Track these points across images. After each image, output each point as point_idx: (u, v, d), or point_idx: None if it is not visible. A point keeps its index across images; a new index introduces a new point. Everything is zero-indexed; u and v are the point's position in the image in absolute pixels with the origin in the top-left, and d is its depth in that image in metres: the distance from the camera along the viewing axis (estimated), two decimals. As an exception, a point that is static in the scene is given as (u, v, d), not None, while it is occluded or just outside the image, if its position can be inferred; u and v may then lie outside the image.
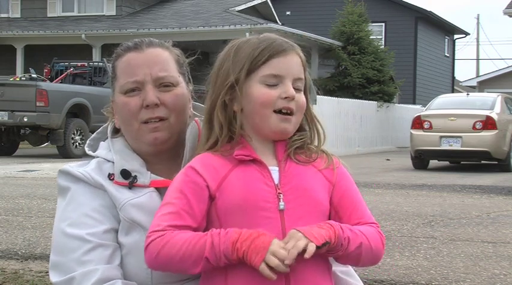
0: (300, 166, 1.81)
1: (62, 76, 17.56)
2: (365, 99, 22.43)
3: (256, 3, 26.98)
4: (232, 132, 1.80)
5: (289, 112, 1.78)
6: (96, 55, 23.44)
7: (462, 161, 15.35)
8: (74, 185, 1.96)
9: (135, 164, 1.98)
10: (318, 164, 1.83)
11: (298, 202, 1.77)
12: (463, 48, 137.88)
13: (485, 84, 31.25)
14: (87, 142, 2.12)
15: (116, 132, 2.08)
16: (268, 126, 1.79)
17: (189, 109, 2.05)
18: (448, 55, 37.58)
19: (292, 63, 1.80)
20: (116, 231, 1.92)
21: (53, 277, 1.91)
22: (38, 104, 15.06)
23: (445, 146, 14.23)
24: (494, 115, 14.13)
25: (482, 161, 14.69)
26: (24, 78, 17.12)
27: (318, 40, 23.59)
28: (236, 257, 1.67)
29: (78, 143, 15.74)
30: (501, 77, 31.32)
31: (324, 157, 1.85)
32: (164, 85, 1.98)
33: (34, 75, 17.11)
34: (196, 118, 2.02)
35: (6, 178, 10.59)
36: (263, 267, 1.64)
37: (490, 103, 14.81)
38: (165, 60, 2.01)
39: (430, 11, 33.33)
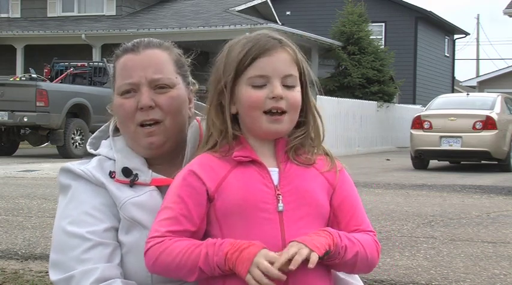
0: (300, 167, 1.79)
1: (62, 76, 17.55)
2: (365, 99, 22.42)
3: (256, 3, 26.97)
4: (230, 134, 1.79)
5: (280, 112, 1.76)
6: (96, 55, 23.43)
7: (462, 161, 15.33)
8: (75, 182, 1.97)
9: (136, 163, 1.98)
10: (319, 166, 1.81)
11: (297, 204, 1.76)
12: (463, 48, 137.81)
13: (485, 84, 31.24)
14: (89, 140, 2.12)
15: (118, 130, 2.08)
16: (260, 127, 1.77)
17: (186, 110, 2.04)
18: (448, 55, 37.58)
19: (279, 61, 1.77)
20: (116, 229, 1.92)
21: (53, 275, 1.90)
22: (38, 104, 15.05)
23: (445, 146, 14.22)
24: (494, 115, 14.12)
25: (482, 161, 14.67)
26: (24, 78, 17.10)
27: (318, 40, 23.59)
28: (228, 269, 1.67)
29: (78, 143, 15.74)
30: (501, 77, 31.31)
31: (327, 160, 1.84)
32: (159, 87, 1.98)
33: (34, 75, 17.09)
34: (198, 118, 2.02)
35: (6, 178, 10.58)
36: (249, 278, 1.64)
37: (490, 103, 14.80)
38: (161, 62, 2.00)
39: (430, 11, 33.33)
